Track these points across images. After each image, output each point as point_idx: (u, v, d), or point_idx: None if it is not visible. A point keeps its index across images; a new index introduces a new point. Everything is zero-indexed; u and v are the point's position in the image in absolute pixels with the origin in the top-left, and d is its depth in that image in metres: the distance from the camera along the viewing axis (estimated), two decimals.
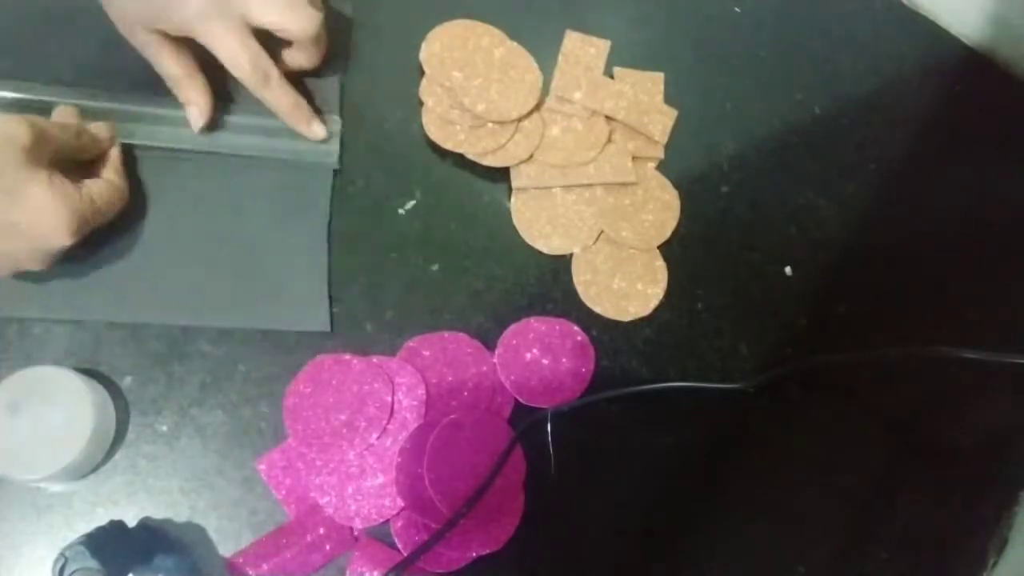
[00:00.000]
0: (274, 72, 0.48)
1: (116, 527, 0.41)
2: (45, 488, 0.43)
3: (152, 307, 0.46)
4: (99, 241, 0.45)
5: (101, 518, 0.42)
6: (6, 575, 0.41)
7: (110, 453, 0.44)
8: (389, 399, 0.45)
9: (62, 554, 0.38)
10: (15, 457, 0.41)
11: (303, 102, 0.50)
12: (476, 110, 0.52)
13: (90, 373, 0.44)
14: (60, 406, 0.41)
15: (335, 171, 0.51)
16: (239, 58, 0.46)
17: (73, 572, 0.37)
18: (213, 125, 0.49)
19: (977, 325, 0.54)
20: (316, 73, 0.52)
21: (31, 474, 0.41)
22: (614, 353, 0.51)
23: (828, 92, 0.61)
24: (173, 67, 0.47)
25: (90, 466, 0.43)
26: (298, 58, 0.50)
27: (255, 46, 0.46)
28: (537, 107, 0.54)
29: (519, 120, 0.53)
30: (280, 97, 0.48)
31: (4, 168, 0.39)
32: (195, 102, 0.48)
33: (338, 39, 0.53)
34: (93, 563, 0.37)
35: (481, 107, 0.52)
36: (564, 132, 0.54)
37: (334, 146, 0.51)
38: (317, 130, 0.50)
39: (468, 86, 0.52)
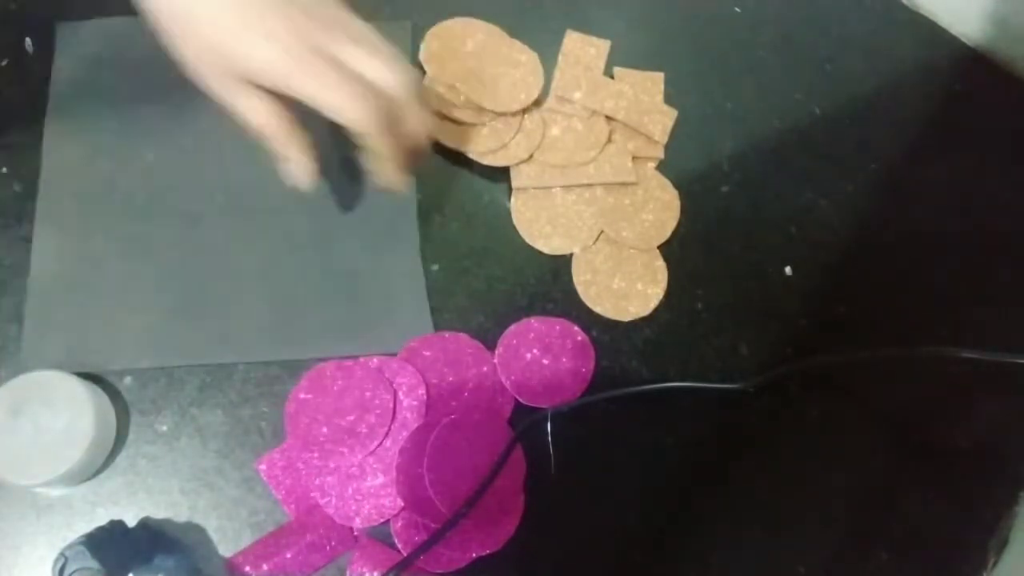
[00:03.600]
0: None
1: (116, 527, 0.41)
2: (45, 492, 0.43)
3: (260, 346, 0.46)
4: (201, 288, 0.47)
5: (101, 518, 0.42)
6: (6, 575, 0.41)
7: (110, 456, 0.44)
8: (391, 403, 0.45)
9: (62, 554, 0.38)
10: (15, 461, 0.41)
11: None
12: (476, 107, 0.52)
13: (91, 373, 0.44)
14: (61, 411, 0.41)
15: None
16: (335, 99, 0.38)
17: (73, 572, 0.37)
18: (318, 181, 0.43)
19: (977, 325, 0.54)
20: None
21: (31, 479, 0.41)
22: (614, 353, 0.51)
23: (828, 92, 0.61)
24: (260, 116, 0.39)
25: (89, 472, 0.43)
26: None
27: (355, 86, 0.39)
28: (537, 103, 0.54)
29: (520, 113, 0.53)
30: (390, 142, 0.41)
31: None
32: (292, 158, 0.40)
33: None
34: (93, 563, 0.37)
35: (482, 104, 0.52)
36: (564, 132, 0.54)
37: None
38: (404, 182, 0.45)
39: (467, 84, 0.52)
